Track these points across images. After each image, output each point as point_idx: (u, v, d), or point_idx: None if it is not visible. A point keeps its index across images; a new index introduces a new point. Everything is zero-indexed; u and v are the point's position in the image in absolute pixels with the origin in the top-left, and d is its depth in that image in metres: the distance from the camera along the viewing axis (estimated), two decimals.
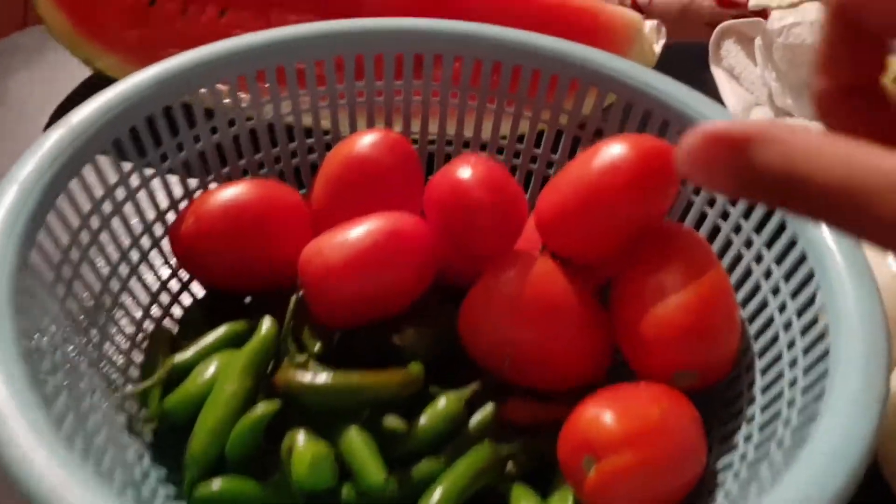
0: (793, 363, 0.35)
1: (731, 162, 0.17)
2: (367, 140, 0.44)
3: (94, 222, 0.39)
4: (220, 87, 0.44)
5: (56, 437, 0.27)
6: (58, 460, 0.25)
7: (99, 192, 0.40)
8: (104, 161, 0.40)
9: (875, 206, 0.15)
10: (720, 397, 0.39)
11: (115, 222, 0.41)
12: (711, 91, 0.65)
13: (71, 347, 0.35)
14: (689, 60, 0.68)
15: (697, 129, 0.18)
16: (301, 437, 0.34)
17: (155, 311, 0.43)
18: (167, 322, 0.44)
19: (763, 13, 0.65)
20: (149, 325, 0.42)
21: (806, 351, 0.34)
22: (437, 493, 0.34)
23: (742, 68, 0.65)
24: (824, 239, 0.36)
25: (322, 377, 0.36)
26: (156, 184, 0.43)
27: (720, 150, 0.17)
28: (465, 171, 0.40)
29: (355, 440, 0.35)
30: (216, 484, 0.34)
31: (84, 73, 0.64)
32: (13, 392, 0.27)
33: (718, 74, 0.65)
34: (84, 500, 0.25)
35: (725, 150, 0.17)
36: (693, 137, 0.18)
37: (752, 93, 0.64)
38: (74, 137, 0.38)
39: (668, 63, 0.60)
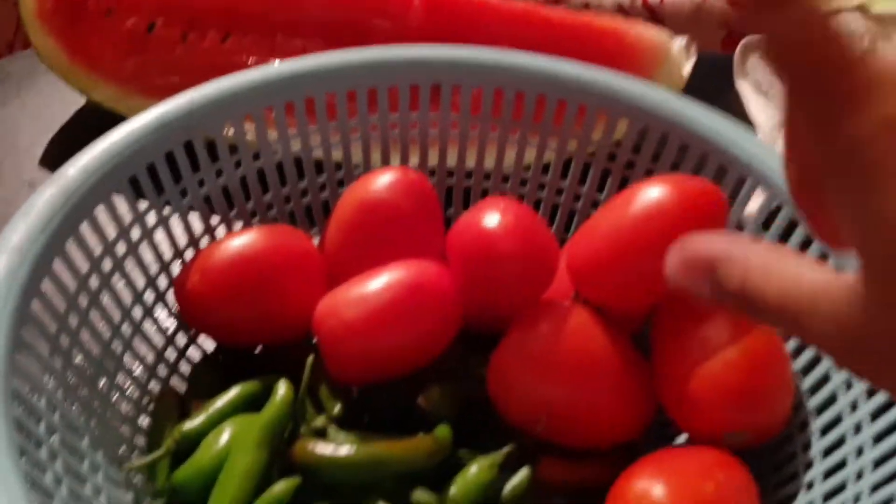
0: (857, 429, 0.32)
1: (704, 280, 0.21)
2: (382, 181, 0.41)
3: (94, 282, 0.36)
4: (225, 125, 0.41)
5: None
6: None
7: (97, 248, 0.37)
8: (102, 213, 0.37)
9: (803, 321, 0.19)
10: (771, 458, 0.36)
11: (116, 279, 0.38)
12: (737, 106, 0.62)
13: (70, 425, 0.32)
14: (714, 74, 0.66)
15: (677, 248, 0.22)
16: None
17: (161, 370, 0.40)
18: (175, 380, 0.41)
19: None
20: (155, 386, 0.39)
21: (874, 417, 0.31)
22: None
23: (769, 85, 0.62)
24: None
25: (343, 450, 0.33)
26: (159, 233, 0.40)
27: (695, 271, 0.22)
28: (491, 219, 0.37)
29: None
30: None
31: (79, 100, 0.61)
32: (8, 494, 0.24)
33: (745, 89, 0.62)
34: None
35: (699, 272, 0.21)
36: (675, 256, 0.22)
37: (780, 110, 0.61)
38: (69, 194, 0.35)
39: (694, 77, 0.57)
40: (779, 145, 0.57)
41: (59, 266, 0.34)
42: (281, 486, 0.32)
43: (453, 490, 0.34)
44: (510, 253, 0.37)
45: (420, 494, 0.33)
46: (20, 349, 0.30)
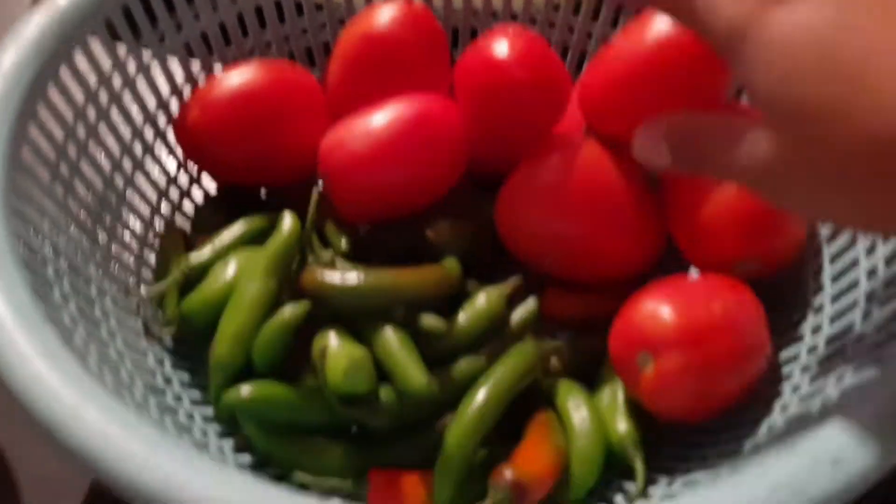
0: (870, 250, 0.32)
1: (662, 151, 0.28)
2: (386, 14, 0.39)
3: (91, 113, 0.35)
4: None
5: (67, 352, 0.24)
6: (71, 379, 0.23)
7: (93, 79, 0.36)
8: (96, 45, 0.35)
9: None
10: (782, 285, 0.36)
11: (114, 112, 0.37)
12: None
13: (76, 251, 0.32)
14: None
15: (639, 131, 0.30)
16: (334, 340, 0.32)
17: (164, 208, 0.40)
18: (179, 219, 0.40)
19: None
20: (159, 224, 0.39)
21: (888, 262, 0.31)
22: (481, 394, 0.32)
23: None
24: None
25: (353, 277, 0.33)
26: (155, 69, 0.39)
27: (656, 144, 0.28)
28: (501, 47, 0.36)
29: (392, 342, 0.32)
30: (245, 390, 0.31)
31: None
32: (15, 305, 0.24)
33: None
34: (101, 419, 0.22)
35: (659, 143, 0.28)
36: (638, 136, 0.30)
37: None
38: (62, 20, 0.34)
39: None
40: None
41: (53, 93, 0.33)
42: (291, 310, 0.32)
43: (461, 317, 0.35)
44: (521, 80, 0.35)
45: (428, 319, 0.33)
46: (19, 170, 0.29)
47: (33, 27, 0.33)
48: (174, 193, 0.40)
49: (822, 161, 0.22)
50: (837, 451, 0.22)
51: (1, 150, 0.29)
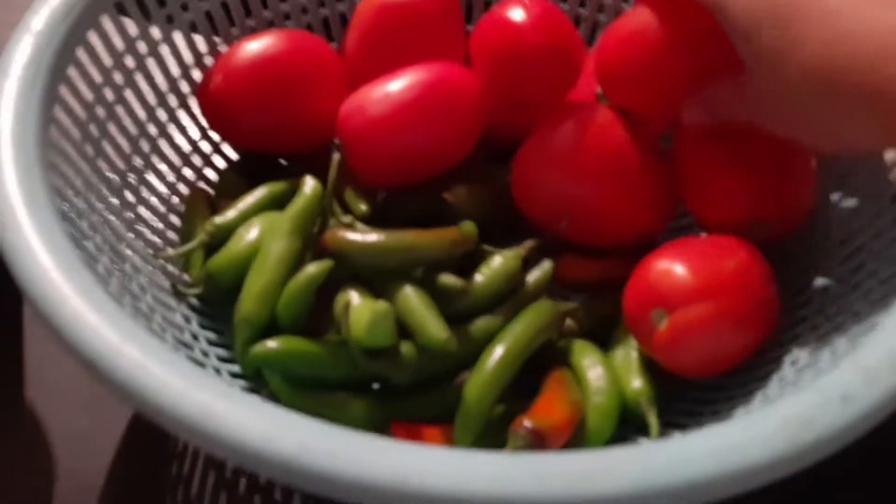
0: (878, 213, 0.33)
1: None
2: None
3: (118, 78, 0.36)
4: None
5: (105, 296, 0.25)
6: (111, 318, 0.24)
7: (120, 45, 0.36)
8: (122, 14, 0.36)
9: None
10: (791, 248, 0.37)
11: (139, 78, 0.38)
12: None
13: (107, 209, 0.33)
14: None
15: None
16: (356, 296, 0.33)
17: (188, 173, 0.41)
18: (202, 186, 0.41)
19: None
20: (183, 189, 0.40)
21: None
22: (499, 349, 0.33)
23: None
24: None
25: (373, 236, 0.34)
26: (178, 38, 0.40)
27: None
28: (517, 13, 0.37)
29: (412, 298, 0.33)
30: (271, 343, 0.32)
31: None
32: (55, 251, 0.25)
33: None
34: (141, 358, 0.23)
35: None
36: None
37: None
38: None
39: None
40: None
41: (82, 56, 0.34)
42: (314, 267, 0.33)
43: (478, 278, 0.35)
44: (537, 45, 0.36)
45: (446, 278, 0.34)
46: (52, 125, 0.30)
47: None
48: (197, 160, 0.41)
49: (774, 83, 0.28)
50: (847, 388, 0.23)
51: (35, 107, 0.30)
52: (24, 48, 0.31)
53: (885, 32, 0.25)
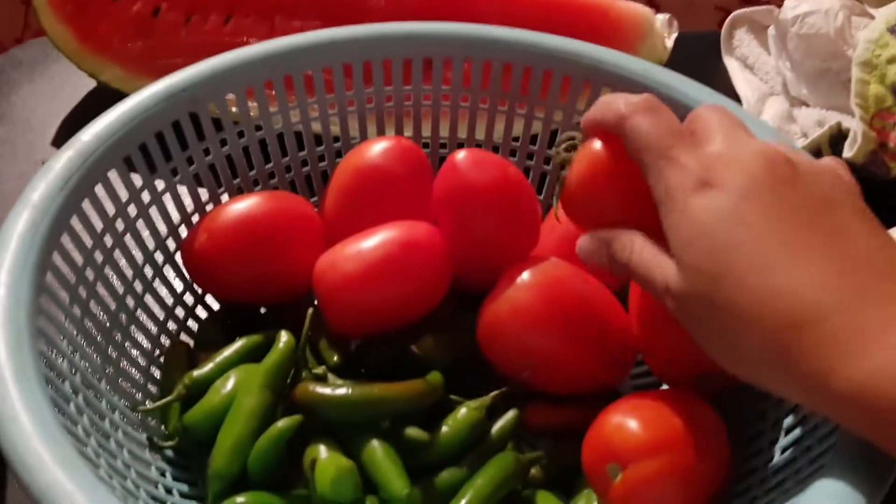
0: None
1: (603, 255, 0.35)
2: (377, 148, 0.44)
3: (108, 240, 0.39)
4: (228, 97, 0.44)
5: (82, 461, 0.26)
6: (86, 485, 0.25)
7: (111, 209, 0.39)
8: (115, 178, 0.39)
9: (654, 285, 0.33)
10: (741, 401, 0.38)
11: (129, 239, 0.40)
12: (725, 81, 0.64)
13: (89, 367, 0.35)
14: (700, 50, 0.67)
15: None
16: (323, 451, 0.34)
17: (171, 325, 0.43)
18: (183, 337, 0.43)
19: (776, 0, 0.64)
20: (165, 341, 0.42)
21: None
22: (464, 502, 0.34)
23: (755, 58, 0.64)
24: None
25: (342, 390, 0.36)
26: (167, 199, 0.43)
27: (599, 248, 0.36)
28: (467, 164, 0.40)
29: (377, 452, 0.34)
30: (240, 499, 0.33)
31: (88, 84, 0.63)
32: (38, 418, 0.27)
33: (731, 64, 0.65)
34: None
35: (602, 248, 0.35)
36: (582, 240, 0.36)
37: (767, 83, 0.63)
38: (85, 157, 0.38)
39: (680, 53, 0.59)
40: (763, 116, 0.59)
41: (76, 223, 0.36)
42: (284, 423, 0.35)
43: (444, 429, 0.37)
44: (496, 205, 0.39)
45: (412, 431, 0.36)
46: (43, 293, 0.33)
47: (60, 165, 0.37)
48: (180, 312, 0.44)
49: (697, 307, 0.30)
50: None
51: (28, 276, 0.32)
52: (22, 222, 0.34)
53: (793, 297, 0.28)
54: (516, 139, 0.49)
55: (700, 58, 0.64)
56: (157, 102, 0.41)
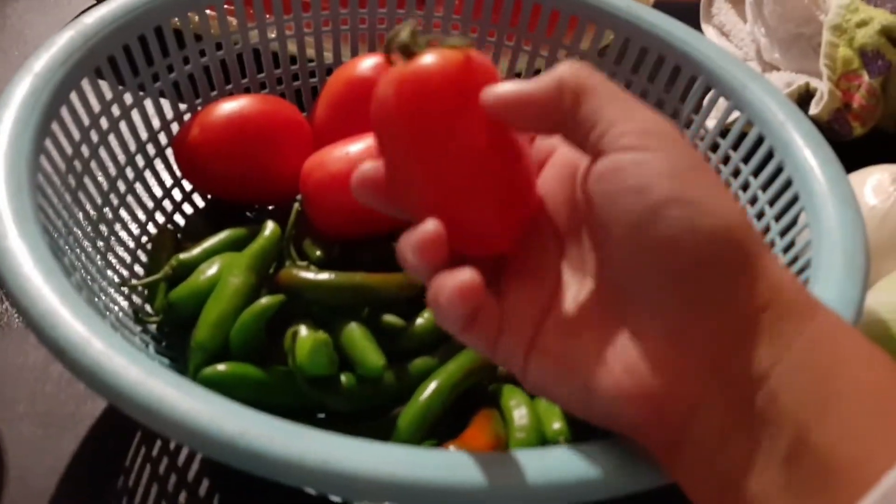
0: None
1: None
2: (369, 62, 0.45)
3: (104, 123, 0.40)
4: (226, 7, 0.45)
5: (77, 296, 0.28)
6: (81, 315, 0.27)
7: (108, 94, 0.40)
8: (114, 64, 0.40)
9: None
10: None
11: (123, 126, 0.42)
12: None
13: (82, 235, 0.36)
14: (679, 18, 0.70)
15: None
16: (304, 329, 0.36)
17: (159, 217, 0.44)
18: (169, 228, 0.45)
19: None
20: (152, 230, 0.43)
21: (789, 264, 0.36)
22: (432, 385, 0.36)
23: (732, 25, 0.67)
24: (808, 163, 0.38)
25: (325, 275, 0.37)
26: (162, 94, 0.44)
27: None
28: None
29: (355, 332, 0.36)
30: (222, 367, 0.35)
31: (84, 1, 0.64)
32: (38, 258, 0.28)
33: (709, 31, 0.67)
34: (107, 349, 0.26)
35: None
36: None
37: (741, 49, 0.66)
38: (87, 38, 0.39)
39: None
40: None
41: (74, 99, 0.38)
42: (267, 300, 0.36)
43: (418, 322, 0.39)
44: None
45: (389, 317, 0.38)
46: (42, 154, 0.34)
47: (63, 42, 0.38)
48: (168, 205, 0.45)
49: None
50: None
51: (29, 135, 0.33)
52: (24, 86, 0.35)
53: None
54: (518, 75, 0.51)
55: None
56: None
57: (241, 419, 0.24)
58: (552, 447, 0.27)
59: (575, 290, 0.27)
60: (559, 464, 0.26)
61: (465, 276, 0.25)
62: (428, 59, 0.26)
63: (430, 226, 0.25)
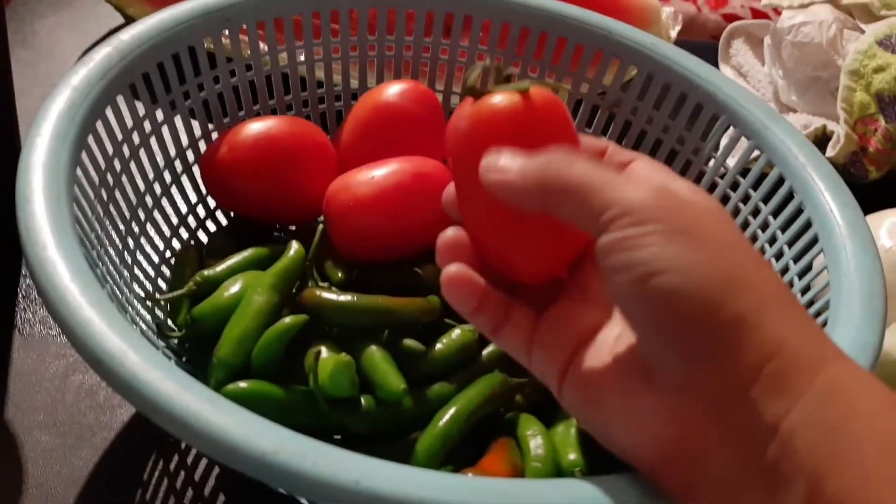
0: None
1: None
2: (396, 88, 0.46)
3: (136, 138, 0.41)
4: (259, 33, 0.46)
5: (113, 308, 0.28)
6: (117, 327, 0.27)
7: (141, 110, 0.41)
8: (148, 81, 0.41)
9: None
10: None
11: (153, 142, 0.42)
12: None
13: (112, 247, 0.36)
14: (699, 57, 0.71)
15: None
16: (324, 349, 0.36)
17: (183, 233, 0.44)
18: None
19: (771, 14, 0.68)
20: (177, 245, 0.44)
21: (807, 306, 0.37)
22: (451, 411, 0.36)
23: (749, 66, 0.68)
24: (828, 206, 0.39)
25: (347, 297, 0.38)
26: (192, 112, 0.45)
27: None
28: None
29: (376, 355, 0.36)
30: (243, 384, 0.35)
31: (114, 18, 0.65)
32: (75, 267, 0.29)
33: (726, 72, 0.68)
34: (142, 362, 0.26)
35: None
36: None
37: (759, 90, 0.66)
38: (123, 55, 0.39)
39: None
40: None
41: (109, 114, 0.38)
42: (291, 319, 0.37)
43: (437, 347, 0.39)
44: None
45: (409, 342, 0.38)
46: (78, 166, 0.34)
47: (101, 56, 0.38)
48: (192, 221, 0.45)
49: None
50: None
51: (67, 147, 0.34)
52: (63, 99, 0.35)
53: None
54: None
55: None
56: (195, 16, 0.43)
57: (274, 436, 0.25)
58: (568, 479, 0.27)
59: (619, 329, 0.28)
60: (574, 495, 0.26)
61: (451, 268, 0.29)
62: (492, 99, 0.29)
63: (450, 232, 0.31)
